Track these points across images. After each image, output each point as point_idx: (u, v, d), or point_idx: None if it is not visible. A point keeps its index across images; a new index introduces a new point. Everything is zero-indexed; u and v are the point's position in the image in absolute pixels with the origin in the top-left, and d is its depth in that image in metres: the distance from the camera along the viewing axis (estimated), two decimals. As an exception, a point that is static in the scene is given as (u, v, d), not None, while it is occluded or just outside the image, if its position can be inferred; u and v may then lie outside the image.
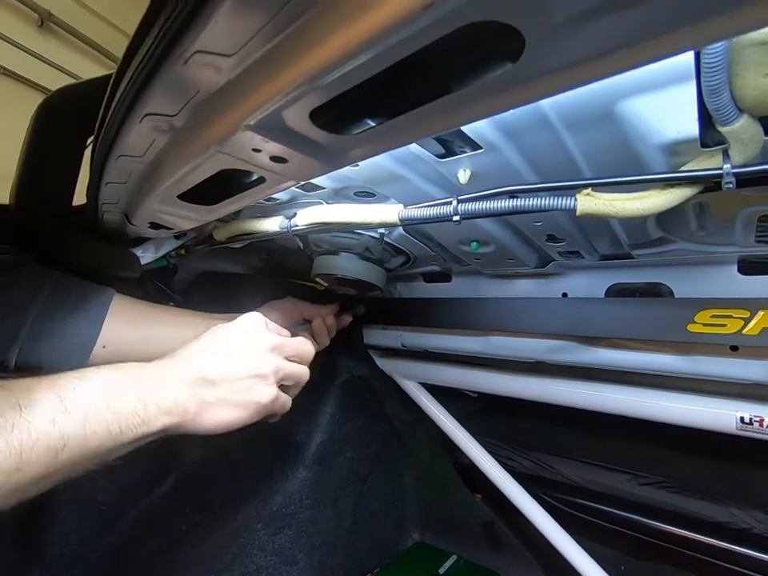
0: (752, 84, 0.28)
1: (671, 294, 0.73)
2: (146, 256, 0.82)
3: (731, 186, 0.34)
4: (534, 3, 0.19)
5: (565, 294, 0.83)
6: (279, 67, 0.26)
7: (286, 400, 0.60)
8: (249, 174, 0.45)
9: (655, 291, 0.75)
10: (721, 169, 0.34)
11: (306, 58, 0.25)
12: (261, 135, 0.33)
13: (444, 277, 1.00)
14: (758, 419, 0.72)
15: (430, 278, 1.03)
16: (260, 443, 1.11)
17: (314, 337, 0.86)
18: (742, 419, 0.74)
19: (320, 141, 0.34)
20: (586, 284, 0.81)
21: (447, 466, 1.36)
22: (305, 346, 0.63)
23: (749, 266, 0.65)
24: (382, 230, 0.75)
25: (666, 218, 0.56)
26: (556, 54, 0.22)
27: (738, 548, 0.93)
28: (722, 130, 0.31)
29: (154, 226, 0.65)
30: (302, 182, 0.45)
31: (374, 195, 0.61)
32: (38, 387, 0.40)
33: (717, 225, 0.55)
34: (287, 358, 0.60)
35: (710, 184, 0.35)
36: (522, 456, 1.22)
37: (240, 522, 1.05)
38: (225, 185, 0.50)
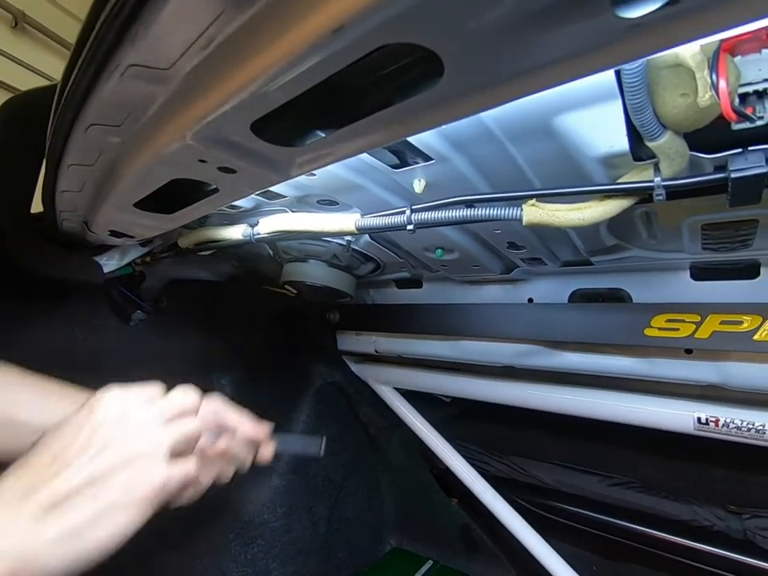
0: (671, 103, 0.30)
1: (630, 298, 0.75)
2: (110, 263, 0.81)
3: (661, 198, 0.35)
4: (437, 25, 0.19)
5: (531, 300, 0.85)
6: (213, 82, 0.27)
7: (201, 471, 0.47)
8: (204, 183, 0.45)
9: (616, 296, 0.78)
10: (652, 181, 0.35)
11: (236, 75, 0.25)
12: (205, 147, 0.33)
13: (415, 283, 1.01)
14: (713, 419, 0.75)
15: (402, 284, 1.04)
16: (232, 452, 1.10)
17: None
18: (699, 420, 0.76)
19: (266, 152, 0.34)
20: (551, 289, 0.83)
21: (424, 471, 1.36)
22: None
23: (700, 272, 0.68)
24: (348, 238, 0.75)
25: (618, 227, 0.57)
26: (473, 75, 0.23)
27: (701, 545, 0.96)
28: (650, 144, 0.33)
29: (115, 233, 0.65)
30: (257, 192, 0.46)
31: (336, 203, 0.62)
32: None
33: (665, 233, 0.58)
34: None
35: (644, 196, 0.37)
36: (496, 460, 1.23)
37: (212, 532, 1.03)
38: (182, 194, 0.50)
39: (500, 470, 1.23)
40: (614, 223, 0.56)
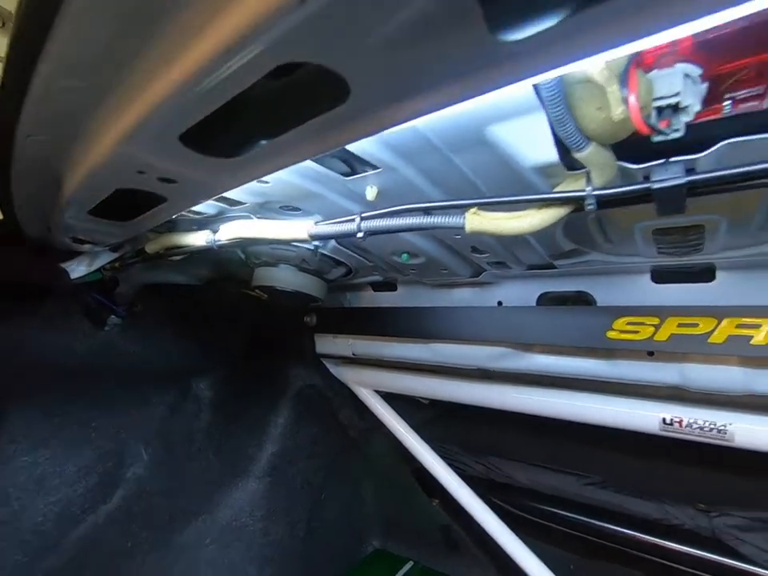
0: (589, 116, 0.30)
1: (595, 301, 0.76)
2: (79, 269, 0.81)
3: (592, 207, 0.36)
4: (323, 42, 0.20)
5: (500, 303, 0.86)
6: (130, 95, 0.27)
7: None
8: (154, 193, 0.45)
9: (582, 299, 0.79)
10: (584, 191, 0.36)
11: (147, 90, 0.25)
12: (139, 157, 0.34)
13: (390, 286, 1.02)
14: (678, 420, 0.76)
15: (377, 287, 1.04)
16: (209, 457, 1.10)
17: None
18: (664, 420, 0.78)
19: (201, 163, 0.35)
20: (519, 292, 0.83)
21: (405, 472, 1.37)
22: None
23: (660, 276, 0.69)
24: (316, 243, 0.75)
25: (574, 232, 0.58)
26: (374, 95, 0.23)
27: (672, 544, 0.97)
28: (576, 156, 0.34)
29: (78, 240, 0.65)
30: (207, 200, 0.46)
31: (299, 210, 0.62)
32: None
33: (620, 237, 0.59)
34: None
35: (578, 205, 0.38)
36: (474, 460, 1.24)
37: (188, 537, 1.03)
38: (137, 203, 0.50)
39: (477, 470, 1.23)
40: (570, 228, 0.57)
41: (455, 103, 0.23)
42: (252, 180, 0.38)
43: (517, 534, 1.12)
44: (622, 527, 1.03)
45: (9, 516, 0.90)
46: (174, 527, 1.05)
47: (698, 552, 0.94)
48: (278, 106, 0.29)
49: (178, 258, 0.84)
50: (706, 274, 0.64)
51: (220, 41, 0.20)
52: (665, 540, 0.98)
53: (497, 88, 0.22)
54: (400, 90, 0.23)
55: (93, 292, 0.93)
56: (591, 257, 0.66)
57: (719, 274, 0.64)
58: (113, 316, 0.98)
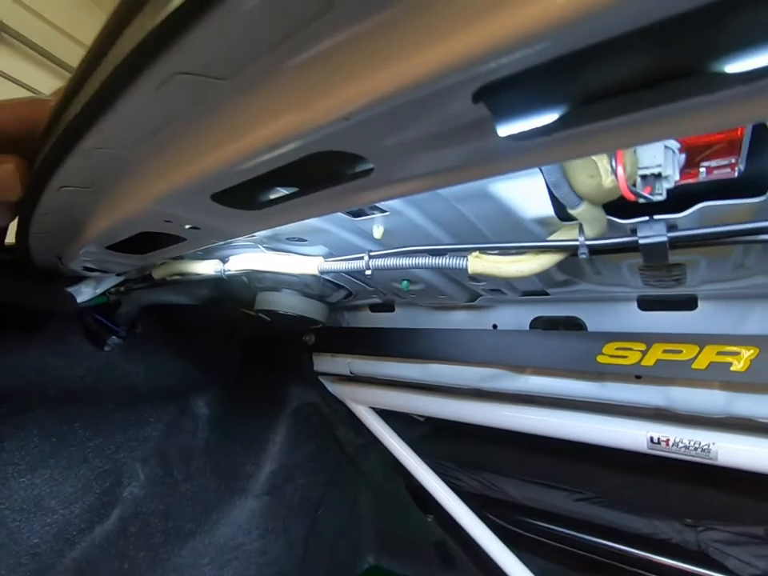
0: (581, 182, 0.34)
1: (585, 326, 0.80)
2: (86, 292, 0.82)
3: (585, 255, 0.39)
4: (355, 141, 0.23)
5: (495, 326, 0.89)
6: (170, 166, 0.30)
7: None
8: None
9: (573, 323, 0.82)
10: (577, 240, 0.39)
11: (190, 164, 0.28)
12: (168, 211, 0.36)
13: (388, 307, 1.04)
14: (664, 439, 0.80)
15: (375, 308, 1.07)
16: (206, 475, 1.11)
17: None
18: (651, 439, 0.81)
19: (226, 214, 0.38)
20: (513, 316, 0.87)
21: (400, 488, 1.39)
22: None
23: (646, 304, 0.73)
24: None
25: (565, 265, 0.62)
26: (394, 172, 0.26)
27: (660, 558, 1.01)
28: (571, 212, 0.37)
29: (89, 269, 0.67)
30: (224, 242, 0.49)
31: (305, 240, 0.65)
32: None
33: (608, 270, 0.62)
34: None
35: (572, 252, 0.41)
36: (469, 476, 1.26)
37: (185, 557, 1.03)
38: (152, 238, 0.52)
39: (472, 486, 1.26)
40: (562, 263, 0.61)
41: (467, 182, 0.26)
42: (270, 228, 0.40)
43: (510, 549, 1.15)
44: (612, 542, 1.06)
45: (5, 539, 0.90)
46: (171, 547, 1.05)
47: (685, 566, 0.97)
48: (306, 174, 0.32)
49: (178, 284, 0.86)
50: (689, 303, 0.69)
51: (266, 138, 0.23)
52: (653, 554, 1.01)
53: (502, 174, 0.25)
54: (418, 171, 0.26)
55: (94, 313, 0.94)
56: (582, 286, 0.70)
57: (701, 304, 0.68)
58: (113, 337, 0.99)
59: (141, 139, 0.28)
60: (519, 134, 0.22)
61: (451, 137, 0.23)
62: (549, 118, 0.21)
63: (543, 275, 0.66)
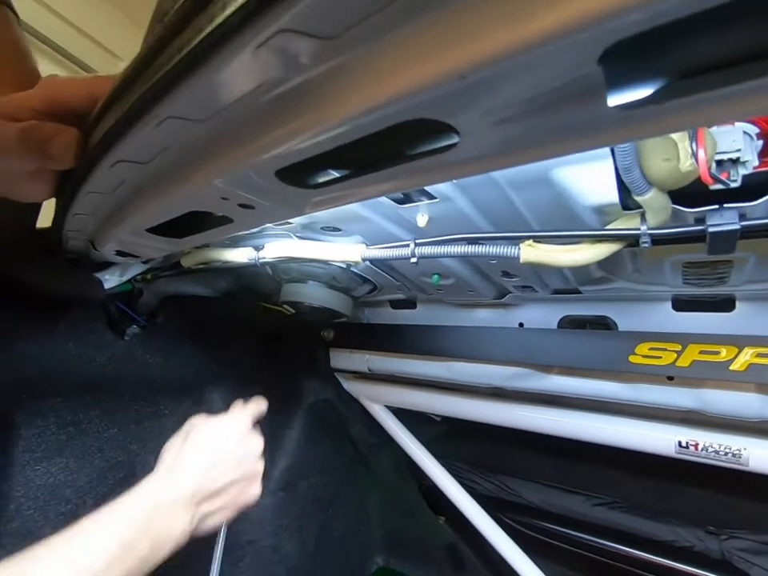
0: (656, 166, 0.33)
1: (616, 326, 0.79)
2: (111, 279, 0.82)
3: (647, 244, 0.38)
4: (460, 111, 0.22)
5: (521, 324, 0.88)
6: (245, 138, 0.29)
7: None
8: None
9: (602, 323, 0.81)
10: (639, 229, 0.39)
11: (267, 135, 0.28)
12: (228, 188, 0.36)
13: (409, 304, 1.04)
14: (693, 443, 0.79)
15: (396, 304, 1.06)
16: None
17: None
18: (680, 443, 0.80)
19: (285, 193, 0.37)
20: (541, 315, 0.86)
21: (412, 488, 1.37)
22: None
23: (681, 304, 0.72)
24: (354, 262, 0.77)
25: (605, 262, 0.61)
26: (484, 147, 0.26)
27: (682, 566, 0.99)
28: (637, 198, 0.36)
29: (121, 253, 0.66)
30: (272, 224, 0.48)
31: (339, 230, 0.64)
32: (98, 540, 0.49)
33: (649, 268, 0.62)
34: None
35: (632, 241, 0.40)
36: (484, 478, 1.25)
37: (196, 553, 1.02)
38: (194, 220, 0.52)
39: (487, 488, 1.25)
40: (604, 259, 0.60)
41: (559, 156, 0.26)
42: (327, 208, 0.40)
43: (525, 553, 1.13)
44: (632, 548, 1.05)
45: (20, 527, 0.89)
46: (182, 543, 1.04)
47: (708, 574, 0.95)
48: (376, 145, 0.32)
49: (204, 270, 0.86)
50: (726, 304, 0.68)
51: (362, 102, 0.23)
52: (674, 561, 0.99)
53: (600, 147, 0.25)
54: (508, 145, 0.25)
55: (117, 301, 0.94)
56: (617, 284, 0.69)
57: (739, 305, 0.67)
58: (134, 326, 0.99)
59: (222, 107, 0.28)
60: (633, 102, 0.21)
61: (557, 105, 0.22)
62: (663, 81, 0.20)
63: (580, 270, 0.65)
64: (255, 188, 0.36)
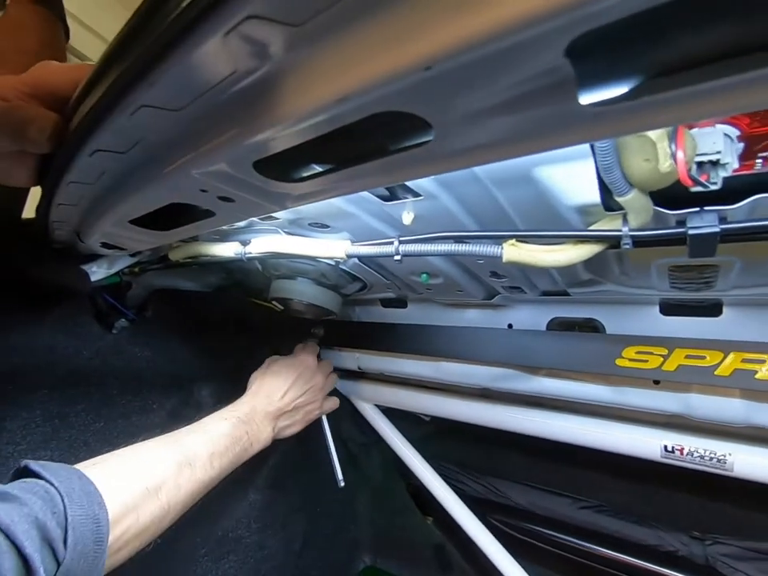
0: (636, 166, 0.33)
1: (604, 329, 0.79)
2: (98, 272, 0.81)
3: (628, 246, 0.38)
4: (429, 103, 0.22)
5: (510, 325, 0.88)
6: (222, 127, 0.29)
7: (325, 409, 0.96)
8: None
9: (591, 326, 0.81)
10: (620, 231, 0.38)
11: (243, 126, 0.27)
12: (206, 179, 0.35)
13: (400, 303, 1.03)
14: (678, 448, 0.79)
15: (387, 303, 1.06)
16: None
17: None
18: (665, 448, 0.80)
19: (265, 186, 0.37)
20: (530, 316, 0.86)
21: (400, 488, 1.37)
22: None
23: (668, 308, 0.72)
24: (340, 260, 0.77)
25: (593, 264, 0.61)
26: (458, 141, 0.25)
27: (666, 570, 0.99)
28: (618, 199, 0.36)
29: (106, 245, 0.65)
30: (254, 218, 0.48)
31: (328, 227, 0.64)
32: (197, 449, 0.63)
33: (636, 271, 0.61)
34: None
35: (614, 242, 0.40)
36: (472, 480, 1.25)
37: (182, 548, 1.02)
38: (178, 213, 0.51)
39: (476, 489, 1.24)
40: (590, 261, 0.60)
41: (532, 154, 0.25)
42: (308, 203, 0.39)
43: (512, 555, 1.13)
44: (617, 552, 1.05)
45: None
46: (168, 538, 1.03)
47: (691, 579, 0.95)
48: (354, 138, 0.31)
49: (195, 265, 0.85)
50: (713, 309, 0.68)
51: (330, 93, 0.22)
52: (659, 566, 0.99)
53: (572, 145, 0.24)
54: (482, 141, 0.25)
55: (105, 294, 0.93)
56: (605, 287, 0.69)
57: (726, 310, 0.67)
58: (122, 319, 0.98)
59: (195, 97, 0.27)
60: (605, 98, 0.21)
61: (526, 100, 0.22)
62: (638, 78, 0.20)
63: (568, 272, 0.65)
64: (234, 180, 0.36)
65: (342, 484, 1.02)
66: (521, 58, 0.18)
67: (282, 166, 0.35)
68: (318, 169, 0.35)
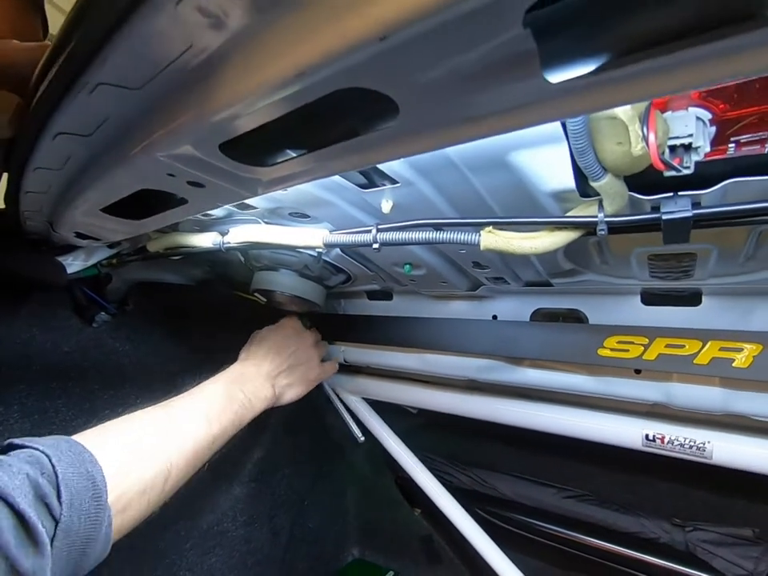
0: (609, 150, 0.33)
1: (587, 319, 0.79)
2: (75, 264, 0.80)
3: (603, 232, 0.38)
4: (388, 77, 0.21)
5: (495, 316, 0.88)
6: (183, 106, 0.28)
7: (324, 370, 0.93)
8: (174, 194, 0.45)
9: (574, 316, 0.81)
10: (596, 217, 0.38)
11: (204, 103, 0.26)
12: (173, 163, 0.34)
13: (386, 295, 1.03)
14: (660, 436, 0.79)
15: (372, 295, 1.05)
16: (193, 459, 1.08)
17: None
18: (647, 436, 0.81)
19: (234, 170, 0.36)
20: (514, 307, 0.86)
21: (388, 481, 1.37)
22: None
23: (650, 298, 0.72)
24: (320, 249, 0.76)
25: (573, 253, 0.61)
26: (424, 119, 0.25)
27: (648, 557, 1.00)
28: (593, 184, 0.36)
29: (81, 235, 0.64)
30: (227, 205, 0.47)
31: (308, 217, 0.63)
32: (191, 408, 0.64)
33: (616, 260, 0.62)
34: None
35: (590, 229, 0.40)
36: (459, 471, 1.26)
37: (167, 542, 1.01)
38: (151, 201, 0.50)
39: (463, 481, 1.25)
40: (570, 250, 0.60)
41: (498, 134, 0.25)
42: (280, 189, 0.39)
43: (498, 545, 1.14)
44: (600, 540, 1.06)
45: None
46: (154, 532, 1.03)
47: (673, 565, 0.97)
48: (320, 119, 0.31)
49: (176, 258, 0.84)
50: (693, 298, 0.68)
51: (288, 67, 0.22)
52: (641, 553, 1.01)
53: (538, 124, 0.24)
54: (448, 117, 0.25)
55: (84, 287, 0.91)
56: (587, 276, 0.69)
57: (705, 299, 0.67)
58: (102, 313, 0.96)
59: (153, 74, 0.26)
60: (566, 69, 0.20)
61: (488, 73, 0.21)
62: (601, 50, 0.19)
63: (550, 262, 0.65)
64: (201, 164, 0.35)
65: (362, 439, 1.08)
66: (478, 27, 0.18)
67: (250, 150, 0.34)
68: (288, 153, 0.34)
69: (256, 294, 0.87)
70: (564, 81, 0.21)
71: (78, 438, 0.47)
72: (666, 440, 0.79)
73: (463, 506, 1.17)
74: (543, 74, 0.21)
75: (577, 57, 0.21)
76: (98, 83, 0.28)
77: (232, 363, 1.19)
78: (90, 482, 0.41)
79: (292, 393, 0.83)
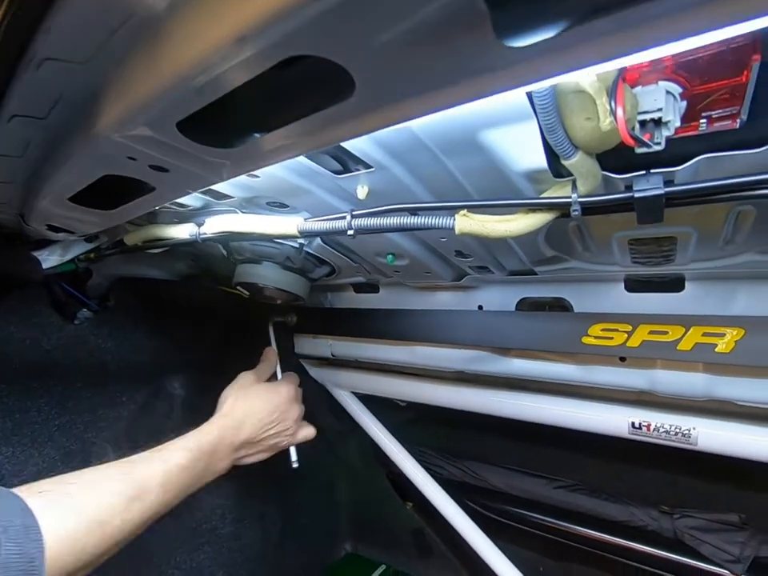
0: (578, 125, 0.32)
1: (572, 308, 0.79)
2: (51, 258, 0.78)
3: (577, 213, 0.37)
4: (334, 41, 0.20)
5: (480, 307, 0.88)
6: (130, 80, 0.27)
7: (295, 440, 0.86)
8: (143, 181, 0.44)
9: (559, 305, 0.81)
10: (570, 198, 0.38)
11: (153, 75, 0.25)
12: (131, 144, 0.33)
13: (372, 288, 1.02)
14: (645, 424, 0.79)
15: (359, 288, 1.04)
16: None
17: None
18: (633, 424, 0.81)
19: (196, 153, 0.35)
20: (499, 297, 0.85)
21: (379, 475, 1.37)
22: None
23: (633, 285, 0.72)
24: (301, 240, 0.75)
25: (555, 240, 0.60)
26: (379, 91, 0.24)
27: (637, 545, 1.01)
28: (564, 163, 0.35)
29: (53, 228, 0.62)
30: (196, 191, 0.45)
31: (286, 206, 0.62)
32: (149, 472, 0.59)
33: (598, 246, 0.61)
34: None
35: (564, 210, 0.39)
36: (449, 463, 1.25)
37: (156, 539, 1.00)
38: (121, 190, 0.49)
39: (453, 473, 1.25)
40: (551, 236, 0.59)
41: (459, 104, 0.24)
42: (246, 172, 0.38)
43: (489, 537, 1.14)
44: (590, 529, 1.06)
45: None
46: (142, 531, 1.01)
47: (661, 552, 0.97)
48: (279, 98, 0.30)
49: (156, 251, 0.82)
50: (676, 284, 0.68)
51: (229, 32, 0.21)
52: (630, 541, 1.01)
53: (499, 92, 0.23)
54: (406, 88, 0.24)
55: (63, 283, 0.90)
56: (570, 264, 0.68)
57: (688, 285, 0.67)
58: (84, 309, 0.95)
59: (94, 44, 0.25)
60: (521, 32, 0.19)
61: (440, 37, 0.20)
62: (556, 12, 0.19)
63: (532, 249, 0.64)
64: (161, 145, 0.33)
65: (296, 465, 0.92)
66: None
67: (211, 131, 0.33)
68: (251, 133, 0.33)
69: (239, 288, 0.85)
70: (522, 46, 0.20)
71: (32, 499, 0.44)
72: (651, 427, 0.79)
73: (454, 498, 1.17)
74: (497, 36, 0.20)
75: (532, 17, 0.20)
76: (44, 58, 0.27)
77: (215, 361, 1.18)
78: (29, 563, 0.40)
79: (247, 461, 0.78)
